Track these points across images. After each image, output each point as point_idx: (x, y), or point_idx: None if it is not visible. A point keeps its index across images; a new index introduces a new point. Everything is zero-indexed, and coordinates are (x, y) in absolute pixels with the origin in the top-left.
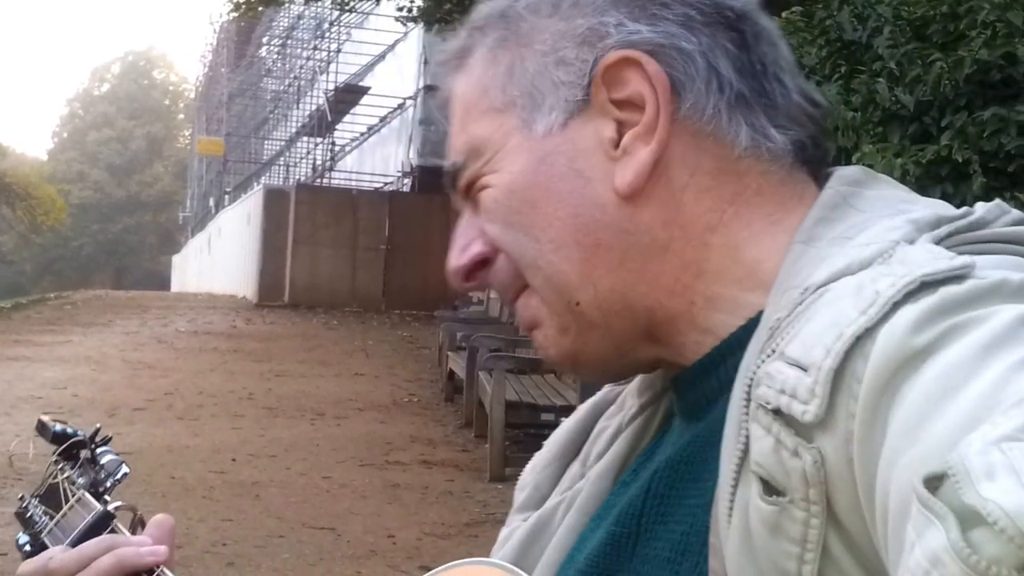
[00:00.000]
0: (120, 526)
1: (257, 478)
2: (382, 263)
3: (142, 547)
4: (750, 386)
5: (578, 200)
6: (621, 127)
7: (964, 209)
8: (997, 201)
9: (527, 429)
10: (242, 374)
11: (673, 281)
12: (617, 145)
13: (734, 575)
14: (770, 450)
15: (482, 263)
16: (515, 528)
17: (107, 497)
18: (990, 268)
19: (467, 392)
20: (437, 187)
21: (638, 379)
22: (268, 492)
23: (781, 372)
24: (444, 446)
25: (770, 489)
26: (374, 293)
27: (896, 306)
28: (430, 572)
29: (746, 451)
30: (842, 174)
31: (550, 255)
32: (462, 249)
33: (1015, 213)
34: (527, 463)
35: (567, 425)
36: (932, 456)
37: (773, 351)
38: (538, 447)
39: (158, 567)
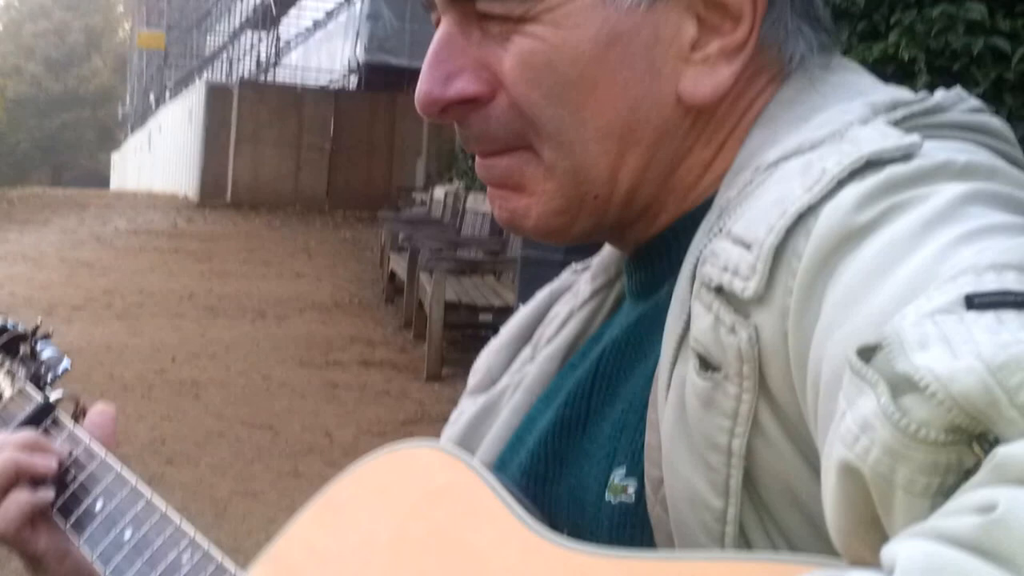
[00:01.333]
0: (62, 417)
1: (197, 377)
2: (326, 163)
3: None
4: (696, 264)
5: (642, 93)
6: (703, 29)
7: (922, 93)
8: (957, 88)
9: (465, 330)
10: (182, 274)
11: (684, 185)
12: (694, 47)
13: (668, 449)
14: (709, 327)
15: (470, 101)
16: (464, 410)
17: (48, 389)
18: (938, 150)
19: (407, 293)
20: (384, 85)
21: (593, 265)
22: (207, 391)
23: (725, 250)
24: (383, 346)
25: (706, 365)
26: (317, 193)
27: (841, 184)
28: (369, 456)
29: (687, 328)
30: (813, 62)
31: (592, 143)
32: (447, 77)
33: (973, 101)
34: (464, 363)
35: (523, 311)
36: (866, 328)
37: (720, 230)
38: (476, 348)
39: (51, 474)
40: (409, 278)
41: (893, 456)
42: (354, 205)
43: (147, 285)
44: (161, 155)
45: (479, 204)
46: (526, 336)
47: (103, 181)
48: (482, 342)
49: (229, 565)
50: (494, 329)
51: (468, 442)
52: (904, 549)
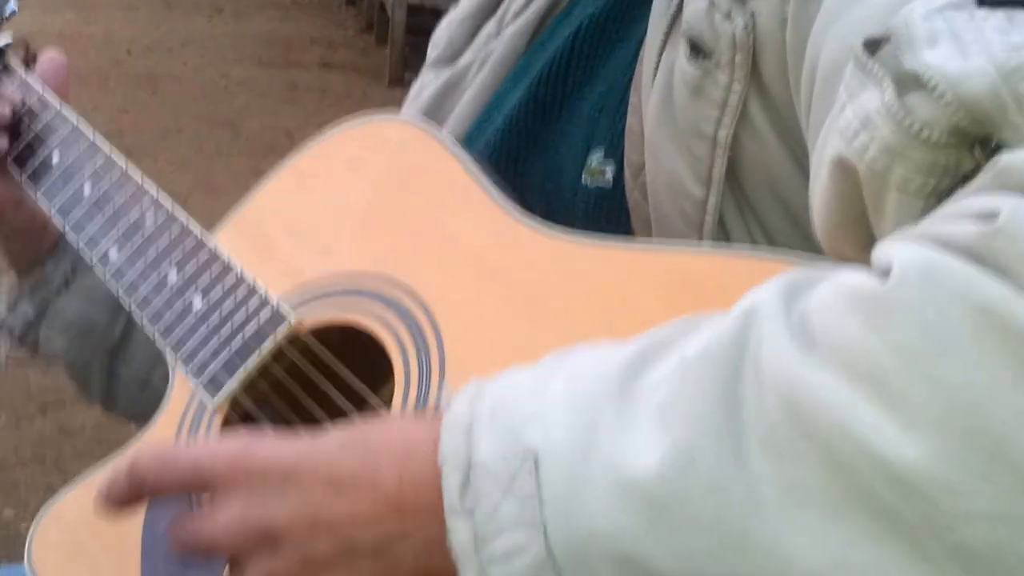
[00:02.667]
0: (12, 62)
1: (153, 71)
2: None
3: None
4: None
5: None
6: None
7: None
8: None
9: (428, 35)
10: None
11: None
12: None
13: (652, 135)
14: (703, 12)
15: None
16: (426, 83)
17: None
18: None
19: None
20: None
21: None
22: (165, 86)
23: None
24: (344, 49)
25: (697, 51)
26: None
27: None
28: (335, 127)
29: (679, 11)
30: None
31: None
32: None
33: None
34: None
35: None
36: (873, 19)
37: None
38: None
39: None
40: None
41: (891, 154)
42: None
43: None
44: None
45: None
46: (490, 9)
47: None
48: None
49: (194, 228)
50: None
51: (432, 118)
52: (901, 252)
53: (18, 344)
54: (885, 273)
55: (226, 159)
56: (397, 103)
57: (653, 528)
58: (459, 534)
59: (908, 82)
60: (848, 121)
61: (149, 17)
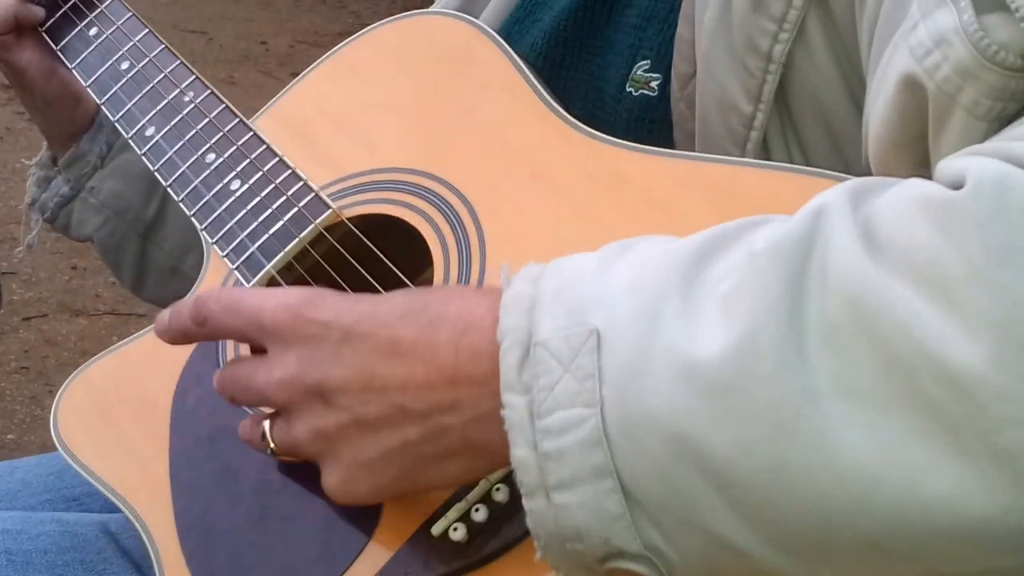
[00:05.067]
0: None
1: None
2: None
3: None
4: None
5: None
6: None
7: None
8: None
9: None
10: None
11: None
12: None
13: (706, 45)
14: None
15: None
16: None
17: None
18: None
19: None
20: None
21: None
22: None
23: None
24: None
25: None
26: None
27: None
28: (381, 22)
29: None
30: None
31: None
32: None
33: None
34: None
35: None
36: None
37: None
38: None
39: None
40: None
41: (963, 75)
42: None
43: None
44: None
45: None
46: None
47: None
48: None
49: (236, 112)
50: None
51: (466, 10)
52: (975, 164)
53: (49, 223)
54: (956, 185)
55: (200, 68)
56: (372, 11)
57: (710, 411)
58: (514, 409)
59: (987, 2)
60: (920, 39)
61: None
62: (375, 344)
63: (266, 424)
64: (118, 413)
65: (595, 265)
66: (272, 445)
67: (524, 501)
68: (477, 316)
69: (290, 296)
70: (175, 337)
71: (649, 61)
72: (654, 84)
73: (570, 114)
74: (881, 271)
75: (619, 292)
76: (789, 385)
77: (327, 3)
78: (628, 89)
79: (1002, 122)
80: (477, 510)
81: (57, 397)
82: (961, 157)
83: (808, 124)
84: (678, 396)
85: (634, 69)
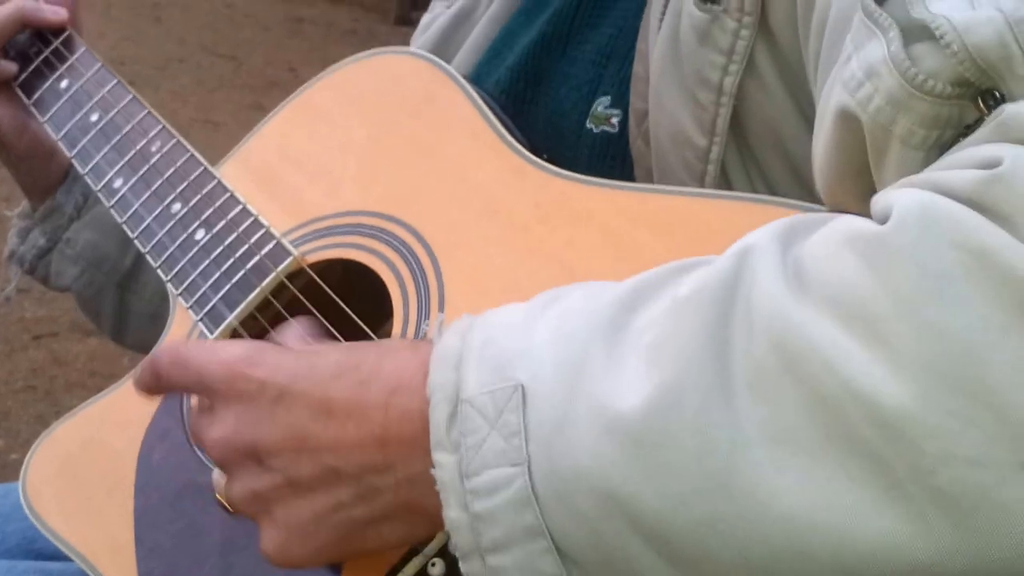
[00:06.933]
0: None
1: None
2: None
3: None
4: None
5: None
6: None
7: None
8: None
9: None
10: None
11: None
12: None
13: (656, 80)
14: None
15: None
16: (437, 15)
17: None
18: None
19: None
20: None
21: None
22: (169, 14)
23: None
24: None
25: None
26: None
27: None
28: (344, 62)
29: None
30: None
31: None
32: None
33: None
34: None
35: None
36: None
37: None
38: None
39: (65, 28)
40: None
41: (895, 105)
42: None
43: None
44: None
45: None
46: None
47: None
48: None
49: (201, 159)
50: None
51: (441, 51)
52: (901, 197)
53: (29, 275)
54: (884, 219)
55: (228, 91)
56: (403, 41)
57: (638, 466)
58: (444, 468)
59: (915, 32)
60: (853, 72)
61: None
62: (307, 404)
63: (216, 478)
64: (84, 475)
65: (522, 317)
66: (223, 502)
67: (460, 564)
68: (408, 374)
69: (232, 352)
70: (142, 391)
71: (610, 97)
72: (615, 120)
73: (535, 150)
74: (808, 310)
75: (544, 345)
76: (716, 433)
77: (358, 34)
78: (588, 126)
79: (940, 150)
80: (434, 564)
81: (26, 461)
82: (891, 190)
83: (768, 155)
84: (604, 451)
85: (594, 106)
